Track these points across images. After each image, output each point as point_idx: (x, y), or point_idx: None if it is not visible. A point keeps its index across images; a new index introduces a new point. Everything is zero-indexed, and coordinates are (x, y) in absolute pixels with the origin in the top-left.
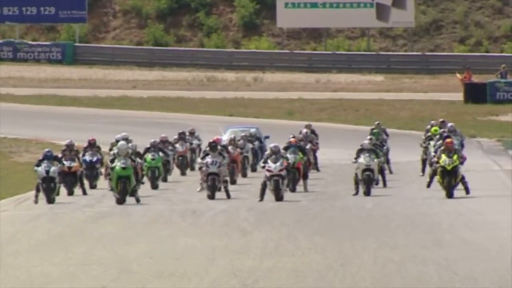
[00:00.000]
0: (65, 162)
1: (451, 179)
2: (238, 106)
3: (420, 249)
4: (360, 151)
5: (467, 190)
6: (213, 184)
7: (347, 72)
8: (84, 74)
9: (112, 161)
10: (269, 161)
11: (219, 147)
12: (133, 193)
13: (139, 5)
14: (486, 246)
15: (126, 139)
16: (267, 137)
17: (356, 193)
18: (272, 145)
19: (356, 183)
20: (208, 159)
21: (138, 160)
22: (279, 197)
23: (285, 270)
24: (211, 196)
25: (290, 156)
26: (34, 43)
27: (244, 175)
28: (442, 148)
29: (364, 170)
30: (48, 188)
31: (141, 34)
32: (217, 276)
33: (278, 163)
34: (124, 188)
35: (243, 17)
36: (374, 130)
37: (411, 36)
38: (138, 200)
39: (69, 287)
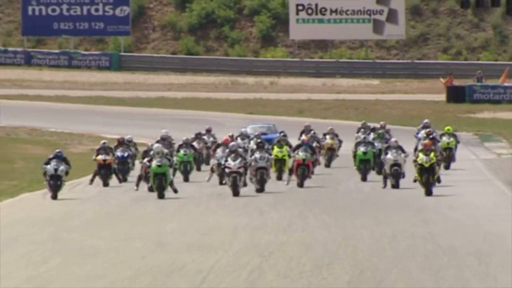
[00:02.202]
0: (118, 154)
1: (429, 176)
2: (257, 105)
3: (410, 225)
4: (387, 148)
5: (438, 180)
6: (262, 178)
7: (349, 77)
8: (128, 78)
9: (143, 157)
10: (229, 159)
11: (266, 146)
12: (171, 184)
13: (174, 21)
14: (465, 222)
15: (165, 139)
16: (282, 132)
17: (384, 186)
18: (230, 144)
19: (385, 177)
20: (257, 155)
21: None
22: (236, 192)
23: (296, 243)
24: (260, 189)
25: (301, 153)
26: (86, 52)
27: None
28: (420, 148)
29: (392, 165)
30: (54, 185)
31: (175, 45)
32: (239, 248)
33: (237, 161)
34: (160, 184)
35: (261, 31)
36: (379, 131)
37: (402, 47)
38: (175, 191)
39: (115, 258)
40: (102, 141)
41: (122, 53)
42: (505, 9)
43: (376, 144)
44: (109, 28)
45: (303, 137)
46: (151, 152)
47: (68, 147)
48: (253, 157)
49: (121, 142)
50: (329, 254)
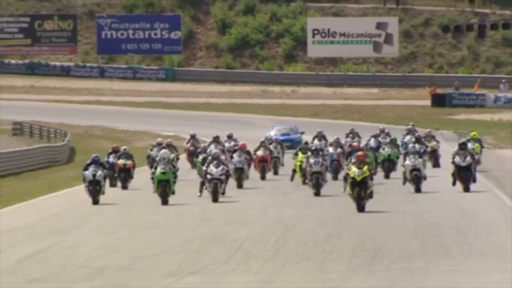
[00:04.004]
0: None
1: (360, 191)
2: (281, 109)
3: (401, 204)
4: (406, 154)
5: (370, 195)
6: (317, 182)
7: (354, 86)
8: (180, 88)
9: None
10: (211, 165)
11: (321, 152)
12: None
13: (216, 42)
14: (446, 202)
15: (194, 137)
16: (302, 133)
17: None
18: (213, 151)
19: (405, 179)
20: (311, 160)
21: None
22: (215, 198)
23: (313, 218)
24: (317, 193)
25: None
26: (147, 67)
27: (276, 172)
28: (353, 160)
29: (411, 171)
30: (94, 190)
31: (217, 61)
32: (267, 222)
33: (219, 168)
34: (164, 191)
35: (285, 50)
36: (392, 138)
37: (396, 62)
38: (223, 193)
39: (169, 229)
40: (123, 147)
41: (176, 68)
42: (477, 33)
43: (387, 149)
44: (165, 48)
45: (316, 142)
46: (157, 158)
47: (132, 142)
48: (308, 162)
49: (116, 151)
50: (338, 226)
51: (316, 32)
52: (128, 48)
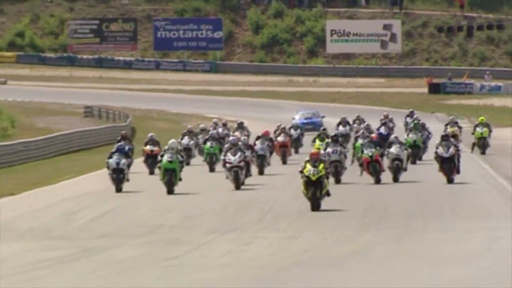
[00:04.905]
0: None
1: (316, 190)
2: (305, 96)
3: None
4: (391, 143)
5: (327, 193)
6: (336, 170)
7: (364, 77)
8: (222, 78)
9: (161, 155)
10: (228, 154)
11: (339, 139)
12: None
13: (251, 40)
14: (435, 183)
15: (241, 125)
16: (323, 117)
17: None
18: (231, 138)
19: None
20: (329, 149)
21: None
22: (238, 186)
23: (332, 186)
24: (337, 181)
25: (366, 150)
26: (194, 61)
27: (296, 152)
28: (308, 159)
29: (393, 159)
30: (117, 178)
31: (252, 56)
32: (294, 188)
33: (237, 156)
34: (170, 180)
35: (308, 47)
36: (415, 122)
37: (399, 57)
38: (243, 183)
39: (211, 195)
40: (150, 134)
41: (218, 62)
42: (466, 33)
43: (411, 135)
44: (209, 45)
45: (341, 128)
46: (166, 147)
47: (183, 123)
48: (326, 151)
49: (124, 137)
50: (351, 194)
51: (333, 32)
52: (179, 45)
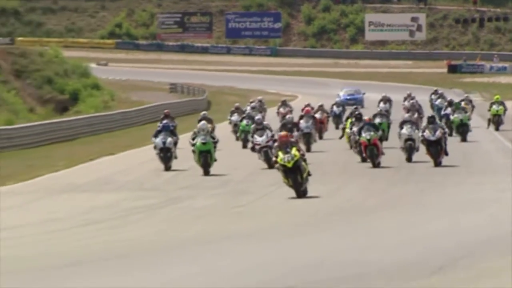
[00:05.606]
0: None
1: (296, 177)
2: (348, 75)
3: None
4: (403, 123)
5: (307, 175)
6: (437, 152)
7: (396, 60)
8: (280, 61)
9: (193, 138)
10: (255, 135)
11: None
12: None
13: (304, 30)
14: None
15: (285, 102)
16: (364, 93)
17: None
18: (256, 117)
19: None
20: (354, 128)
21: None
22: (271, 165)
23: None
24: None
25: (365, 134)
26: (258, 47)
27: (337, 128)
28: (276, 144)
29: (406, 140)
30: (165, 157)
31: (305, 43)
32: (335, 152)
33: (264, 136)
34: (206, 161)
35: (350, 35)
36: (455, 102)
37: (424, 44)
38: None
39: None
40: (203, 112)
41: (277, 47)
42: (478, 24)
43: (457, 114)
44: (270, 34)
45: (381, 105)
46: (195, 130)
47: (249, 97)
48: (351, 130)
49: (167, 116)
50: (361, 172)
51: (371, 23)
52: (246, 34)
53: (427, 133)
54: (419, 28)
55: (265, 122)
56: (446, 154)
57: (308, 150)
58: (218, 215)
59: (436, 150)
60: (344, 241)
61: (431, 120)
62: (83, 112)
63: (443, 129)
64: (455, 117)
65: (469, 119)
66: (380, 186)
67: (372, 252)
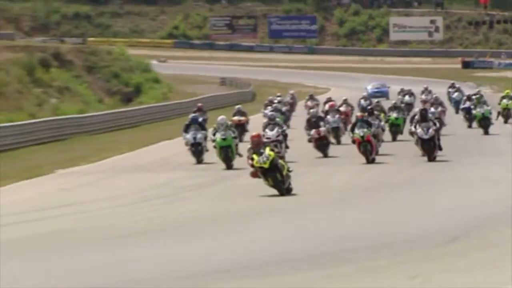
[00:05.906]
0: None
1: (275, 175)
2: (375, 70)
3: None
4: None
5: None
6: (430, 148)
7: (417, 57)
8: (316, 58)
9: (214, 134)
10: (267, 130)
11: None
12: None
13: (337, 31)
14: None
15: (312, 96)
16: (389, 87)
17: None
18: (268, 113)
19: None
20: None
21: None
22: (280, 157)
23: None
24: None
25: (358, 130)
26: (298, 46)
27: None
28: (250, 146)
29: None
30: (196, 151)
31: (337, 42)
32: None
33: (274, 131)
34: (227, 156)
35: (377, 36)
36: (477, 96)
37: (441, 43)
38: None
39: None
40: (237, 106)
41: (313, 46)
42: (488, 26)
43: (478, 108)
44: (307, 35)
45: (406, 98)
46: (215, 125)
47: (287, 90)
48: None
49: (200, 109)
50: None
51: (395, 25)
52: (286, 35)
53: (420, 132)
54: (436, 29)
55: (277, 119)
56: (440, 149)
57: (338, 142)
58: (258, 192)
59: (430, 146)
60: (370, 215)
61: (423, 115)
62: (145, 102)
63: (435, 125)
64: (477, 111)
65: (490, 113)
66: (402, 166)
67: (395, 224)
